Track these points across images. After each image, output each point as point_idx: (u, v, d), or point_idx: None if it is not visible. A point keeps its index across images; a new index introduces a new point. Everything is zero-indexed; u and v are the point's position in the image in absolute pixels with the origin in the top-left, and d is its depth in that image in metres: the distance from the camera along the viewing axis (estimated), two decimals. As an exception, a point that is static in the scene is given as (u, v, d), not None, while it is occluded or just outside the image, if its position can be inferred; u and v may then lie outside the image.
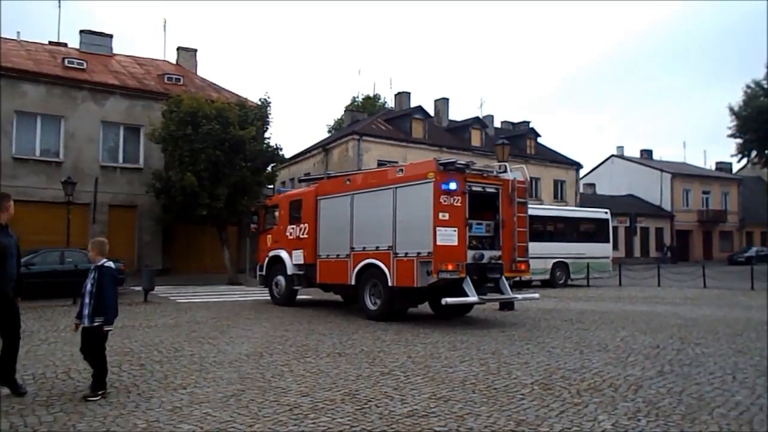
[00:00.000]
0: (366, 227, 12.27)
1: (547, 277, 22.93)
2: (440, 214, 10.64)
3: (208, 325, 11.37)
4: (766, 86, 35.72)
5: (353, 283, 12.51)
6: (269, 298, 15.81)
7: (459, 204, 10.88)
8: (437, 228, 10.57)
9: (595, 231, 24.91)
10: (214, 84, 30.85)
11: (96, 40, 30.20)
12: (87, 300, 6.09)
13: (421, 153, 34.42)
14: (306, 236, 14.06)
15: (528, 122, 43.81)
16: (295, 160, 38.39)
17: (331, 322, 11.97)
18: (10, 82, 23.82)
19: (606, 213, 25.57)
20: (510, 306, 13.73)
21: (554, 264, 23.16)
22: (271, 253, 15.33)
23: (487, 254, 11.34)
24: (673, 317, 12.84)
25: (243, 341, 9.52)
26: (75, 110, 25.13)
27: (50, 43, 29.76)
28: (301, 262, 14.17)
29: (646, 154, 57.67)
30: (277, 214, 15.57)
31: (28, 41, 28.95)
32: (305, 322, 11.83)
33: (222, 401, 5.80)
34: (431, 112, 38.25)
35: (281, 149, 26.11)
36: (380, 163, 32.84)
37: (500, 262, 11.44)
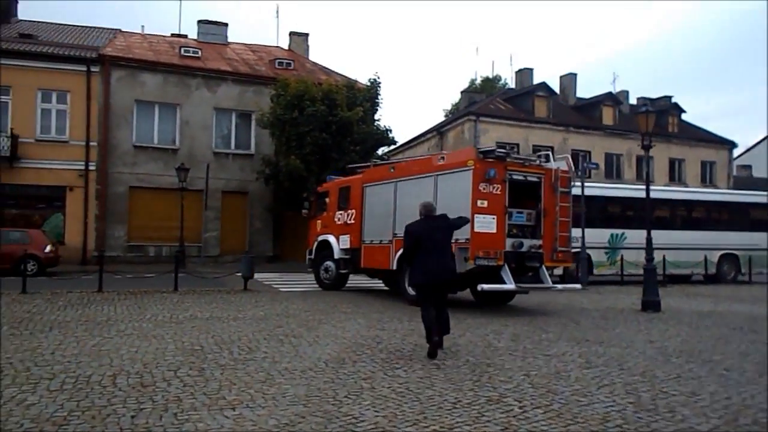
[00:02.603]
0: (408, 214, 11.90)
1: (711, 271, 20.28)
2: (479, 202, 10.81)
3: (298, 320, 10.15)
4: None
5: (395, 268, 12.74)
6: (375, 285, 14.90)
7: (498, 192, 11.01)
8: (475, 215, 10.70)
9: (758, 218, 21.27)
10: (325, 68, 30.15)
11: (212, 29, 30.67)
12: None
13: (545, 133, 31.79)
14: (353, 222, 14.37)
15: (670, 97, 39.07)
16: (409, 144, 37.01)
17: None
18: (131, 73, 24.47)
19: (768, 197, 21.81)
20: (656, 307, 11.32)
21: (722, 256, 20.32)
22: (320, 238, 15.54)
23: (527, 243, 11.31)
24: None
25: (328, 342, 8.13)
26: (189, 98, 25.39)
27: (172, 35, 30.48)
28: (348, 246, 14.47)
29: (811, 131, 50.04)
30: (327, 200, 15.84)
31: (151, 34, 29.80)
32: (405, 320, 10.28)
33: (266, 435, 4.32)
34: (556, 90, 35.13)
35: (391, 131, 24.75)
36: (499, 145, 30.62)
37: (540, 251, 11.39)
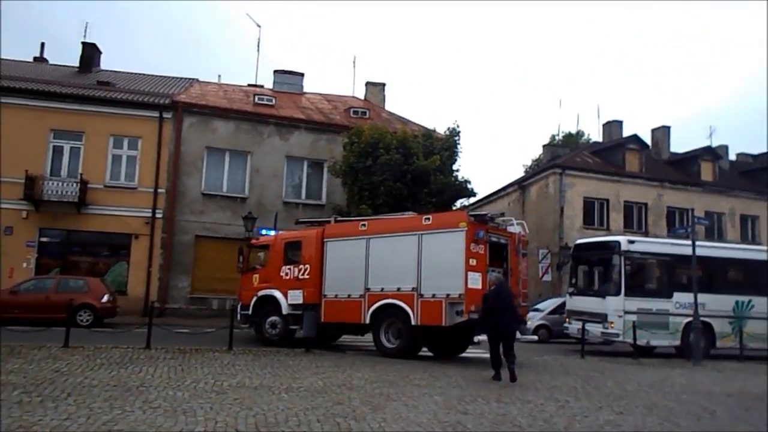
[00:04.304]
0: (384, 269, 13.09)
1: None
2: (470, 260, 11.86)
3: (362, 394, 8.29)
4: None
5: (367, 321, 13.25)
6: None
7: (482, 252, 12.22)
8: (468, 272, 11.78)
9: None
10: (402, 117, 29.06)
11: (288, 79, 30.47)
12: None
13: (637, 189, 29.14)
14: (307, 276, 14.48)
15: (773, 152, 35.47)
16: (489, 198, 35.02)
17: (531, 401, 8.35)
18: (203, 119, 24.12)
19: None
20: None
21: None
22: (261, 293, 15.22)
23: None
24: None
25: (396, 429, 6.34)
26: (261, 145, 24.71)
27: (248, 85, 30.37)
28: (300, 302, 14.43)
29: None
30: (264, 254, 16.14)
31: (227, 84, 29.78)
32: (492, 400, 8.29)
33: None
34: (648, 143, 32.42)
35: (469, 182, 23.04)
36: (586, 201, 28.29)
37: None
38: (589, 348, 16.37)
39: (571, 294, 18.00)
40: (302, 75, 31.04)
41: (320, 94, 30.95)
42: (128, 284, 22.38)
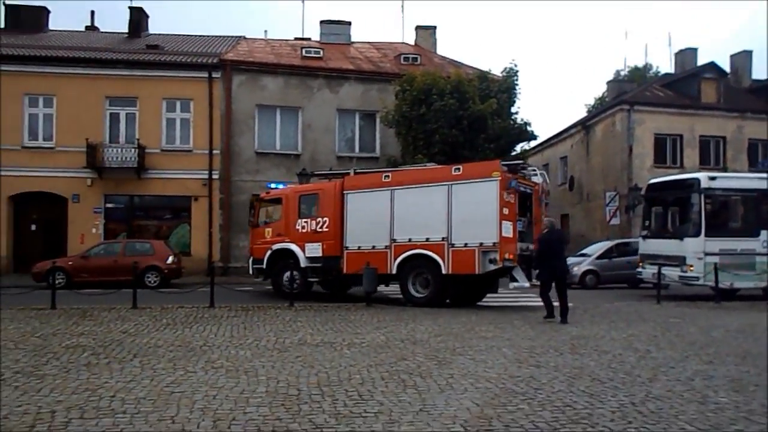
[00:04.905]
0: (411, 220, 13.16)
1: None
2: (503, 209, 12.03)
3: (427, 349, 7.95)
4: None
5: (394, 272, 13.38)
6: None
7: (513, 201, 12.37)
8: (502, 222, 11.96)
9: None
10: (455, 61, 27.86)
11: (335, 29, 29.70)
12: None
13: (715, 122, 27.30)
14: (326, 229, 14.50)
15: None
16: (550, 142, 33.67)
17: (608, 352, 7.85)
18: (252, 77, 23.87)
19: None
20: None
21: None
22: (277, 246, 15.20)
23: (526, 246, 12.84)
24: None
25: (466, 387, 5.91)
26: (311, 100, 24.29)
27: (295, 38, 29.82)
28: (319, 254, 14.52)
29: None
30: (273, 208, 16.18)
31: (273, 39, 29.33)
32: (567, 350, 7.87)
33: None
34: (727, 71, 30.02)
35: (530, 125, 21.99)
36: (657, 138, 26.73)
37: (532, 253, 12.59)
38: (665, 293, 15.57)
39: (645, 237, 17.10)
40: (349, 24, 30.24)
41: (369, 43, 30.12)
42: (191, 245, 22.84)
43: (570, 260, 20.28)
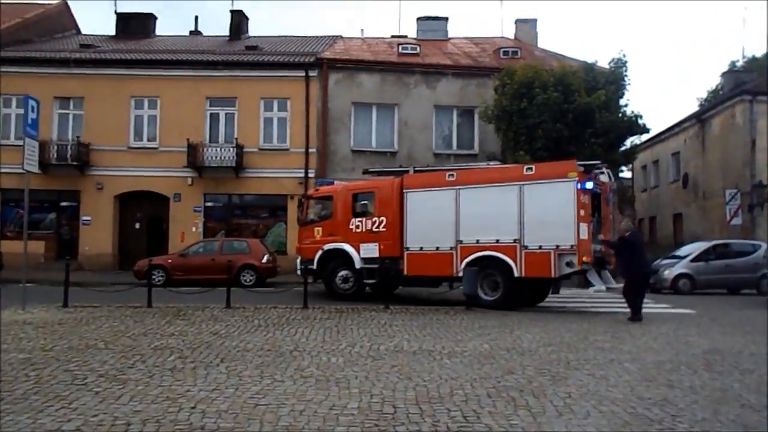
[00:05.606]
0: (479, 221, 12.65)
1: None
2: (580, 211, 11.67)
3: (536, 361, 7.10)
4: None
5: (460, 274, 12.86)
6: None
7: (588, 202, 12.06)
8: (580, 223, 11.64)
9: None
10: (557, 54, 26.42)
11: (432, 25, 29.20)
12: None
13: None
14: (384, 229, 14.04)
15: None
16: (660, 137, 31.23)
17: (753, 371, 6.67)
18: (348, 74, 23.75)
19: None
20: None
21: None
22: (328, 246, 14.70)
23: (597, 248, 12.51)
24: None
25: (588, 409, 5.03)
26: (408, 96, 23.84)
27: (392, 36, 29.44)
28: (375, 255, 14.02)
29: None
30: (324, 206, 15.45)
31: (370, 37, 29.08)
32: (701, 366, 6.80)
33: None
34: None
35: (641, 117, 20.30)
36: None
37: (603, 255, 12.56)
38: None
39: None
40: (446, 20, 29.60)
41: (466, 38, 29.22)
42: (287, 244, 22.86)
43: (661, 263, 18.56)
